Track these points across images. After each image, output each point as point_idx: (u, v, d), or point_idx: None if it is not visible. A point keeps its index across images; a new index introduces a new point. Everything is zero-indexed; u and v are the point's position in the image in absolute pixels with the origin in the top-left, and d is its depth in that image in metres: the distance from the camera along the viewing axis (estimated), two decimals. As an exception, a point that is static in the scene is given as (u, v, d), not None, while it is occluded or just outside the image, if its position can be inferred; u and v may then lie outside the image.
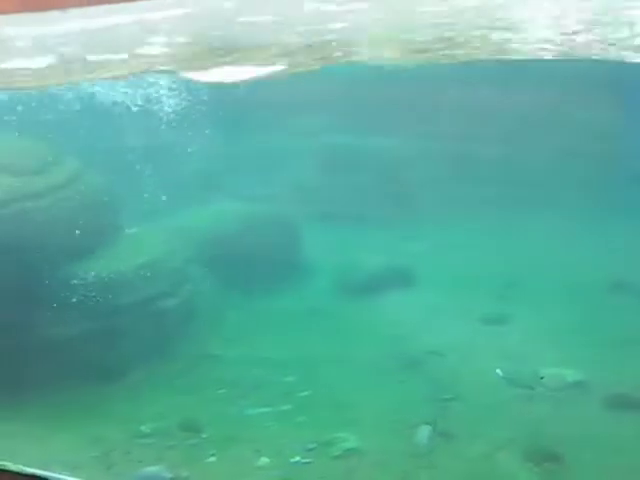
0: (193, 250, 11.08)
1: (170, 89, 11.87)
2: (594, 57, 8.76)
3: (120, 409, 8.88)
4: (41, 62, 9.18)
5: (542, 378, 8.68)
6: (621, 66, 9.33)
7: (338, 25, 9.05)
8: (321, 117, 14.29)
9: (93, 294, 9.58)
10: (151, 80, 11.37)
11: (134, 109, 12.05)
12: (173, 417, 8.56)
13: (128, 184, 11.36)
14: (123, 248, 10.31)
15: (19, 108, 11.16)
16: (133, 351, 9.59)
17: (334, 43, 8.74)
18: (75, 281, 9.61)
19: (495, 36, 8.55)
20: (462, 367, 9.12)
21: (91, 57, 9.35)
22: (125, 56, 9.29)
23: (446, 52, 8.40)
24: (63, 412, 8.77)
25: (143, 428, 8.42)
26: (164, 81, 11.52)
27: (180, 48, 9.62)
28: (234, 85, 10.08)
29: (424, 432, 7.97)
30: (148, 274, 9.94)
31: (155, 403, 8.94)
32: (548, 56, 8.88)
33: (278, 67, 8.93)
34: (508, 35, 8.63)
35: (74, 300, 9.55)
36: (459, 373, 9.00)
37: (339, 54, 8.71)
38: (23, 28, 8.60)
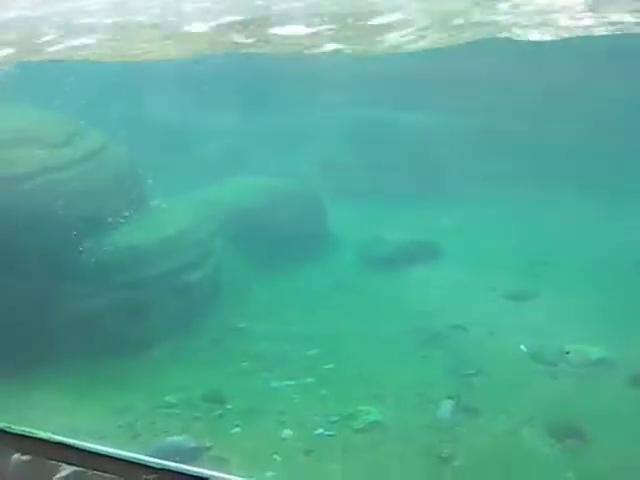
0: (219, 224, 11.10)
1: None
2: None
3: (146, 381, 9.00)
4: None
5: (568, 353, 8.66)
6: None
7: None
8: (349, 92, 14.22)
9: (118, 266, 9.67)
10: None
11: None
12: (198, 389, 8.66)
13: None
14: (148, 221, 10.37)
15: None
16: (158, 323, 9.67)
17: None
18: (101, 254, 9.67)
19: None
20: (486, 342, 9.12)
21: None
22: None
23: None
24: (90, 383, 8.90)
25: (168, 399, 8.53)
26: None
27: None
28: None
29: (447, 406, 8.00)
30: (173, 247, 10.01)
31: (180, 375, 9.03)
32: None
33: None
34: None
35: (100, 273, 9.63)
36: (483, 348, 9.00)
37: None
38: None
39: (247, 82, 13.50)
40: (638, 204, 11.83)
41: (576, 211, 11.95)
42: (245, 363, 9.18)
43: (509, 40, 10.89)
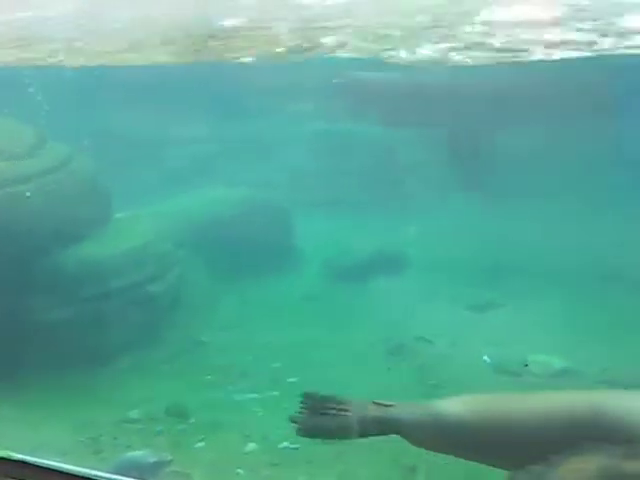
0: (184, 235, 11.16)
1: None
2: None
3: (108, 395, 8.98)
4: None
5: (526, 365, 8.85)
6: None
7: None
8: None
9: (81, 278, 9.67)
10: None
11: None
12: (161, 403, 8.66)
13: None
14: (111, 232, 10.39)
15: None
16: (121, 336, 9.68)
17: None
18: (63, 265, 9.68)
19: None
20: (450, 353, 9.26)
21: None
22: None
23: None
24: (51, 397, 8.85)
25: (131, 413, 8.53)
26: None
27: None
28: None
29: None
30: (137, 259, 10.02)
31: (143, 388, 9.04)
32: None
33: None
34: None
35: (62, 285, 9.65)
36: (447, 359, 9.13)
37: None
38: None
39: (216, 90, 13.55)
40: (606, 214, 12.01)
41: (543, 221, 12.11)
42: (209, 376, 9.21)
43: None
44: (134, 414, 8.55)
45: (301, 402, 4.41)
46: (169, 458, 7.62)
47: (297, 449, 7.76)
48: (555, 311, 9.77)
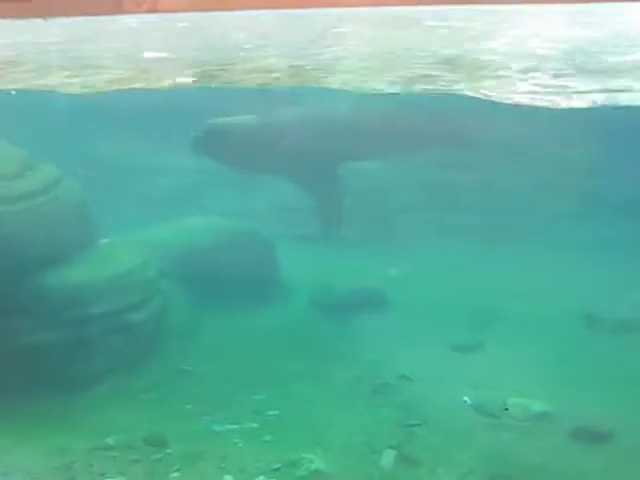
0: (167, 263, 11.14)
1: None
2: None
3: (84, 421, 8.90)
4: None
5: (506, 409, 8.88)
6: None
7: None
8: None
9: (62, 303, 9.63)
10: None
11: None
12: (138, 431, 8.61)
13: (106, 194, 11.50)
14: (96, 258, 10.37)
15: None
16: (100, 363, 9.64)
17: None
18: (44, 289, 9.65)
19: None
20: (431, 393, 9.27)
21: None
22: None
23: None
24: (26, 421, 8.79)
25: (107, 440, 8.44)
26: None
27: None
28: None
29: (389, 456, 8.10)
30: (119, 286, 10.00)
31: (120, 416, 8.97)
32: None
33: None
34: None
35: (42, 309, 9.59)
36: (427, 399, 9.14)
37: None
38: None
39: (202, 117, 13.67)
40: (587, 258, 12.19)
41: (526, 263, 12.29)
42: (188, 406, 9.16)
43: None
44: (110, 441, 8.46)
45: None
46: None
47: (273, 484, 7.76)
48: (538, 355, 9.85)
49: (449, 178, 14.14)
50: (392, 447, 8.25)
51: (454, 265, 12.75)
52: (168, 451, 8.31)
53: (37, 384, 9.13)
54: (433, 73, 8.98)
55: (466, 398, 9.17)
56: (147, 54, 9.63)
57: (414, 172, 14.28)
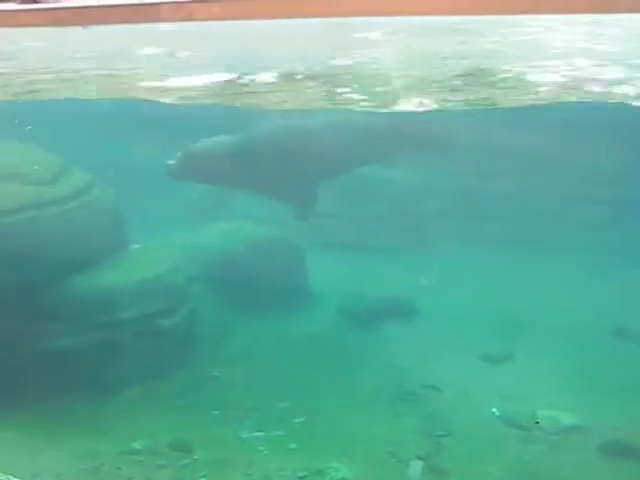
0: (198, 269, 11.21)
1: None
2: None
3: (113, 425, 8.98)
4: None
5: (537, 422, 8.79)
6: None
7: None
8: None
9: (92, 308, 9.73)
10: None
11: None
12: (166, 436, 8.66)
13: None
14: (127, 263, 10.47)
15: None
16: (130, 367, 9.70)
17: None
18: (75, 294, 9.75)
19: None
20: (459, 403, 9.23)
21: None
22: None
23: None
24: (57, 424, 8.89)
25: (135, 445, 8.52)
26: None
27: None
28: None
29: (416, 467, 8.06)
30: (150, 290, 10.08)
31: (149, 421, 9.05)
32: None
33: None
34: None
35: (74, 313, 9.70)
36: (455, 409, 9.09)
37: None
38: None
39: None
40: (619, 269, 12.06)
41: (557, 274, 12.10)
42: (216, 412, 9.20)
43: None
44: (138, 446, 8.53)
45: None
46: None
47: (298, 491, 7.77)
48: (568, 367, 9.75)
49: (478, 186, 14.05)
50: (419, 458, 8.20)
51: (484, 274, 12.68)
52: (195, 457, 8.35)
53: (67, 388, 9.20)
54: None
55: (494, 409, 9.10)
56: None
57: (443, 180, 14.22)
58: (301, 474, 7.93)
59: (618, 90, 8.20)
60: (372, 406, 9.29)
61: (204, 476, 8.00)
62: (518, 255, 12.80)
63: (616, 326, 10.99)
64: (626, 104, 8.99)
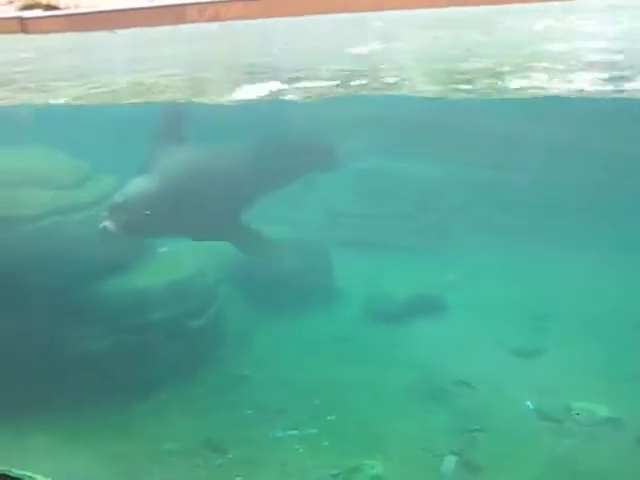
0: (225, 270, 11.28)
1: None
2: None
3: (145, 427, 9.04)
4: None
5: (578, 414, 8.78)
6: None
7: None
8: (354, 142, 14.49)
9: (122, 311, 9.79)
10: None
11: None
12: (199, 437, 8.71)
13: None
14: (154, 266, 10.52)
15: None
16: (160, 369, 9.72)
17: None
18: (104, 297, 9.82)
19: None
20: (491, 398, 9.19)
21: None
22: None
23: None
24: (88, 427, 8.94)
25: (168, 446, 8.58)
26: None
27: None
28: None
29: (450, 462, 8.08)
30: (178, 292, 10.11)
31: (181, 422, 9.08)
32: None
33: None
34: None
35: (103, 316, 9.76)
36: (488, 404, 9.07)
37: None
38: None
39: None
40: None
41: (583, 265, 12.09)
42: (248, 411, 9.23)
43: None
44: (171, 447, 8.58)
45: None
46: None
47: (336, 487, 7.76)
48: (600, 358, 9.74)
49: (502, 179, 14.03)
50: (453, 453, 8.21)
51: (511, 267, 12.65)
52: (229, 456, 8.40)
53: (98, 391, 9.20)
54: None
55: (528, 402, 9.08)
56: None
57: (467, 174, 14.23)
58: (335, 471, 7.96)
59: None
60: (403, 403, 9.28)
61: (239, 475, 8.04)
62: (545, 247, 12.73)
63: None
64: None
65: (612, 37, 8.67)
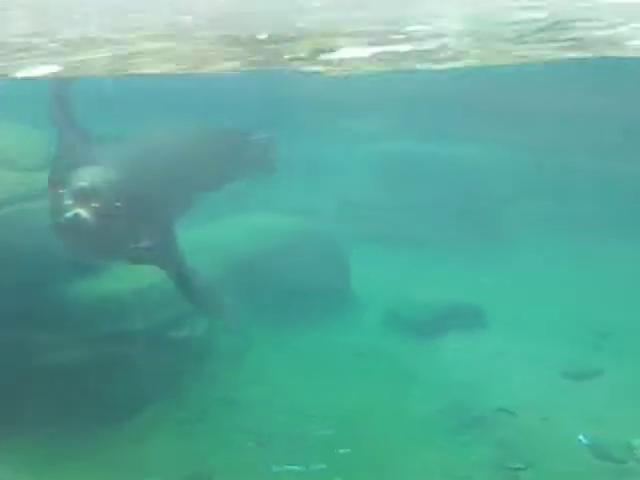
0: (219, 270, 11.03)
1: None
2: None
3: (124, 456, 8.83)
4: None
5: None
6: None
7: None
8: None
9: (95, 317, 9.56)
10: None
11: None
12: (183, 468, 8.52)
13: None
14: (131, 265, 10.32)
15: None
16: (140, 387, 9.51)
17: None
18: (76, 300, 9.59)
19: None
20: (538, 430, 9.03)
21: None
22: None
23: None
24: (57, 456, 8.74)
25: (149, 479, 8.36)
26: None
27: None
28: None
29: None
30: (162, 296, 9.84)
31: (164, 451, 8.92)
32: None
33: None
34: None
35: (74, 322, 9.51)
36: (534, 437, 8.89)
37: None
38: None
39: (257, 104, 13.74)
40: None
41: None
42: (242, 442, 9.02)
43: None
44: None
45: None
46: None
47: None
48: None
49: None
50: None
51: (562, 271, 12.64)
52: (218, 496, 8.09)
53: (68, 411, 9.01)
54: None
55: (582, 437, 8.88)
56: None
57: (517, 158, 14.20)
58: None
59: None
60: (432, 433, 9.13)
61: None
62: (608, 247, 12.75)
63: None
64: None
65: None
